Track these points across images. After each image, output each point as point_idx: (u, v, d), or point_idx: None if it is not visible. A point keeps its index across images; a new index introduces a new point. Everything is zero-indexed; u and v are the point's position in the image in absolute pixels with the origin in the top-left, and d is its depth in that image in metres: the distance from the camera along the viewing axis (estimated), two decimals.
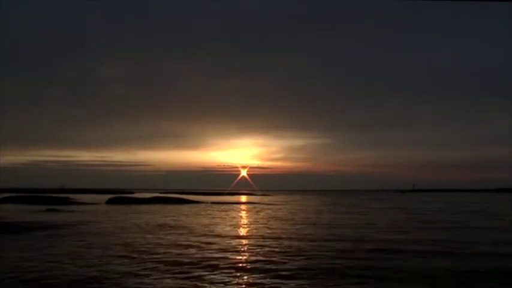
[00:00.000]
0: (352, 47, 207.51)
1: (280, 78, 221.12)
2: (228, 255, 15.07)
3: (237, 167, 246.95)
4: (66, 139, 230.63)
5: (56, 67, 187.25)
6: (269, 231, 23.06)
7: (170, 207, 50.53)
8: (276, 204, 58.93)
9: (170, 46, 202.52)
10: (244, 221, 30.97)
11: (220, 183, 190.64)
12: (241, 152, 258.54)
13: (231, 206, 54.20)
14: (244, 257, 14.71)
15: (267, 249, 16.38)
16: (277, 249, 16.23)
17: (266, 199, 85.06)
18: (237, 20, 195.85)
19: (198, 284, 10.81)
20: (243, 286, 10.76)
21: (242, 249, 16.70)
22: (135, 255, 14.73)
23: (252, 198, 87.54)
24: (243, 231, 23.36)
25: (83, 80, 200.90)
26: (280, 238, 19.85)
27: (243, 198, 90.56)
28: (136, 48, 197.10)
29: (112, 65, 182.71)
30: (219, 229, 24.37)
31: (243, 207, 53.29)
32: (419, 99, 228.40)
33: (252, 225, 26.70)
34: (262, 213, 39.06)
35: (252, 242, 18.71)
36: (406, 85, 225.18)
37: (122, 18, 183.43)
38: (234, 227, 25.72)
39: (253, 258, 14.53)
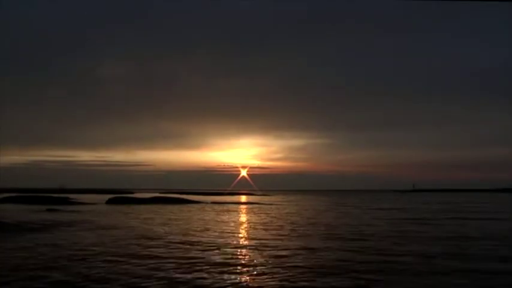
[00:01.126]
0: (352, 47, 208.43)
1: (280, 78, 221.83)
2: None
3: (237, 167, 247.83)
4: (66, 139, 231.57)
5: (56, 67, 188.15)
6: (265, 238, 20.31)
7: (170, 207, 50.52)
8: (275, 205, 58.92)
9: (170, 46, 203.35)
10: (240, 222, 30.91)
11: (221, 183, 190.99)
12: (241, 152, 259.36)
13: (230, 206, 54.16)
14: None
15: (256, 265, 13.36)
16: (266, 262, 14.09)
17: (266, 199, 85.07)
18: (237, 20, 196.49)
19: None
20: None
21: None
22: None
23: (252, 198, 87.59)
24: (232, 237, 21.32)
25: (83, 80, 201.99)
26: (268, 246, 19.23)
27: (243, 198, 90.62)
28: (137, 48, 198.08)
29: (112, 65, 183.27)
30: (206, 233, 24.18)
31: (242, 207, 53.31)
32: (419, 99, 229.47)
33: (246, 229, 26.38)
34: (261, 215, 39.03)
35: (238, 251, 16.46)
36: (406, 85, 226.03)
37: (122, 18, 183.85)
38: (222, 231, 25.39)
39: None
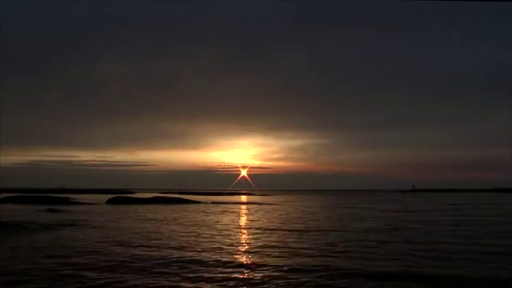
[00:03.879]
0: (352, 47, 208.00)
1: (280, 78, 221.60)
2: None
3: (237, 167, 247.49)
4: (66, 139, 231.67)
5: (56, 67, 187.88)
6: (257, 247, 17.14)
7: (169, 207, 50.58)
8: (275, 205, 58.99)
9: (170, 46, 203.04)
10: (235, 223, 30.91)
11: (221, 183, 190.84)
12: (242, 152, 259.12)
13: (229, 206, 54.22)
14: None
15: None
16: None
17: (266, 199, 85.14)
18: (237, 20, 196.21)
19: None
20: None
21: None
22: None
23: (252, 198, 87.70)
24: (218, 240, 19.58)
25: (82, 80, 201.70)
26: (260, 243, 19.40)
27: (243, 198, 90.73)
28: (136, 48, 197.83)
29: (112, 65, 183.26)
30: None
31: (242, 207, 53.41)
32: (419, 99, 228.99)
33: (240, 232, 26.42)
34: (258, 214, 39.05)
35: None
36: (406, 85, 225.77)
37: (122, 18, 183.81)
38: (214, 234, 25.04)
39: None
